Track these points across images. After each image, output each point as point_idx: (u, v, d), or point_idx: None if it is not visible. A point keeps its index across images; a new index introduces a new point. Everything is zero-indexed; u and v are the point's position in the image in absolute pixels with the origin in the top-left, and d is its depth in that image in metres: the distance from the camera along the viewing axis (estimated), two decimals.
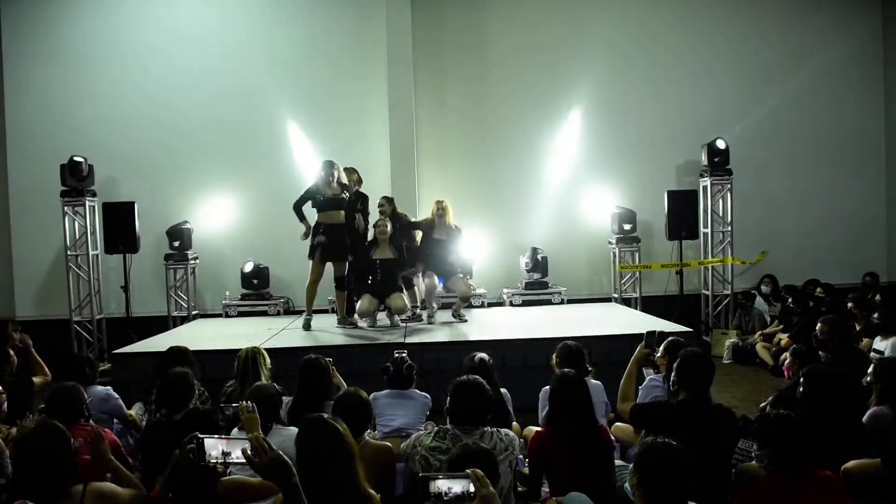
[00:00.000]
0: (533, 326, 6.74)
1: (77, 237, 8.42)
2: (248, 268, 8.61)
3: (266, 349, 4.55)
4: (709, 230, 8.79)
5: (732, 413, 3.42)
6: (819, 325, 5.15)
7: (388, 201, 7.24)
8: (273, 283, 8.71)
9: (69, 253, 8.31)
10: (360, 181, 7.30)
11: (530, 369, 5.04)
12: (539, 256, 8.65)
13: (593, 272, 9.22)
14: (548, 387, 3.61)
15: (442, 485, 1.96)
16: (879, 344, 5.51)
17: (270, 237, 8.75)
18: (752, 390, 6.25)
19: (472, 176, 9.17)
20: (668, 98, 9.25)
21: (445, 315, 7.13)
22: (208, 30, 9.06)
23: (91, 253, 8.38)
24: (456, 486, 1.96)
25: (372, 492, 2.39)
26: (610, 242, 8.88)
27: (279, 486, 2.06)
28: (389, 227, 6.84)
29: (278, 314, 8.29)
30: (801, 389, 3.55)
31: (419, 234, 7.26)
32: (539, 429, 3.68)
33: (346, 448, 2.34)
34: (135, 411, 4.64)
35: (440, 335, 6.33)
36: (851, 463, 3.06)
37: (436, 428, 3.22)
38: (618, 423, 4.19)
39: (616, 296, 8.86)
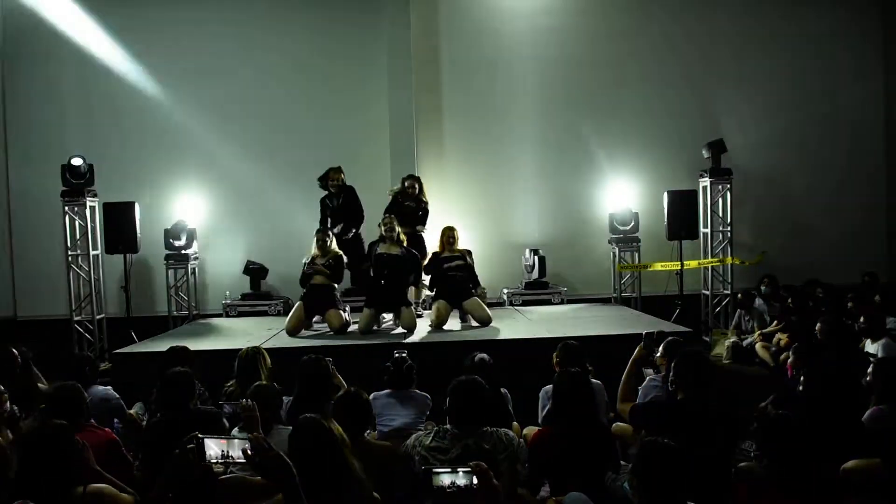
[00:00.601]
0: (533, 326, 6.74)
1: (77, 237, 8.41)
2: (248, 268, 8.61)
3: (266, 349, 4.56)
4: (708, 230, 8.80)
5: (731, 413, 3.42)
6: (819, 325, 5.15)
7: (415, 180, 7.26)
8: (273, 283, 8.71)
9: (69, 253, 8.30)
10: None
11: (530, 369, 5.04)
12: (539, 256, 8.66)
13: (593, 272, 9.22)
14: (548, 387, 3.62)
15: (446, 478, 1.97)
16: (870, 347, 5.50)
17: (270, 237, 8.75)
18: (752, 391, 6.23)
19: (471, 175, 9.17)
20: (668, 98, 9.25)
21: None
22: (208, 29, 9.07)
23: (91, 253, 8.37)
24: (460, 480, 1.97)
25: (374, 494, 2.40)
26: (610, 242, 8.89)
27: (280, 486, 2.06)
28: (398, 228, 6.52)
29: (278, 314, 8.28)
30: (802, 388, 3.55)
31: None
32: (539, 428, 3.68)
33: (337, 447, 2.35)
34: (135, 411, 4.65)
35: (440, 335, 6.33)
36: (851, 463, 3.06)
37: (436, 428, 3.22)
38: (617, 423, 4.20)
39: (616, 296, 8.87)
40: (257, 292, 8.54)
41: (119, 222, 8.19)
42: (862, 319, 5.78)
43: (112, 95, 8.95)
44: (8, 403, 3.62)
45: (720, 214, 8.83)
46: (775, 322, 7.79)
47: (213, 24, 9.08)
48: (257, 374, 4.22)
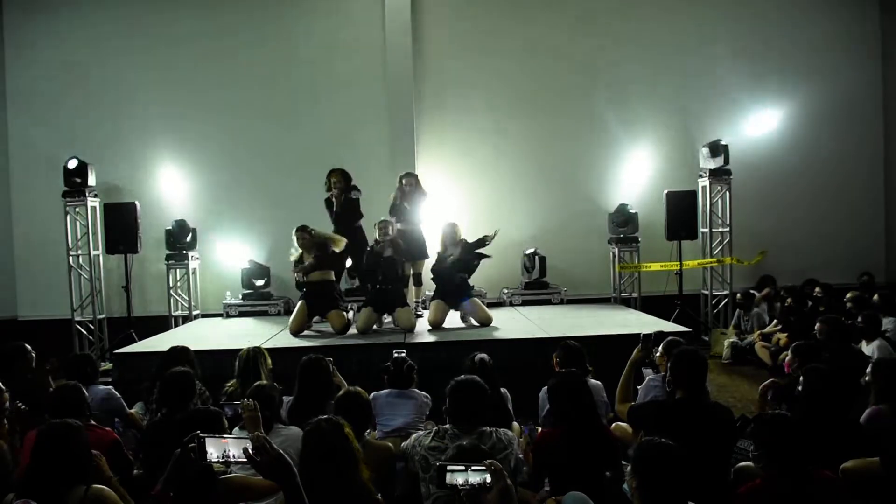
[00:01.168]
0: (533, 326, 6.75)
1: (78, 237, 8.43)
2: (249, 268, 8.62)
3: (267, 349, 4.57)
4: (708, 230, 8.81)
5: (730, 412, 3.43)
6: (818, 324, 5.15)
7: (412, 176, 7.24)
8: (274, 283, 8.72)
9: (70, 253, 8.32)
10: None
11: (530, 369, 5.04)
12: (539, 256, 8.66)
13: (593, 272, 9.22)
14: (548, 386, 3.63)
15: (459, 476, 1.99)
16: (866, 348, 5.50)
17: (271, 237, 8.76)
18: (751, 390, 6.25)
19: (471, 175, 9.18)
20: (668, 98, 9.27)
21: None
22: (208, 29, 9.09)
23: (92, 253, 8.39)
24: (473, 478, 1.99)
25: (377, 496, 2.41)
26: (609, 242, 8.90)
27: (281, 486, 2.07)
28: (391, 230, 6.58)
29: (279, 314, 8.29)
30: (801, 388, 3.56)
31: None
32: (540, 429, 3.69)
33: (351, 451, 2.36)
34: (136, 410, 4.66)
35: (440, 335, 6.33)
36: (850, 462, 3.06)
37: (435, 428, 3.23)
38: (617, 423, 4.20)
39: (615, 296, 8.88)
40: (258, 292, 8.55)
41: (120, 222, 8.22)
42: (860, 319, 5.79)
43: (113, 96, 8.96)
44: (8, 403, 3.63)
45: (719, 215, 8.84)
46: (774, 322, 7.82)
47: (214, 23, 9.09)
48: (258, 373, 4.23)
